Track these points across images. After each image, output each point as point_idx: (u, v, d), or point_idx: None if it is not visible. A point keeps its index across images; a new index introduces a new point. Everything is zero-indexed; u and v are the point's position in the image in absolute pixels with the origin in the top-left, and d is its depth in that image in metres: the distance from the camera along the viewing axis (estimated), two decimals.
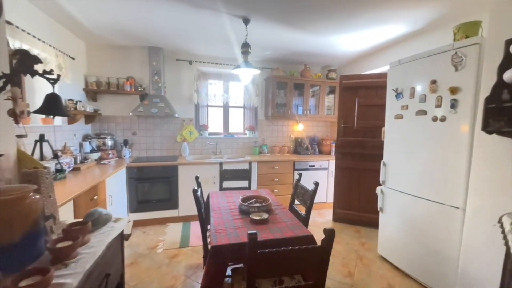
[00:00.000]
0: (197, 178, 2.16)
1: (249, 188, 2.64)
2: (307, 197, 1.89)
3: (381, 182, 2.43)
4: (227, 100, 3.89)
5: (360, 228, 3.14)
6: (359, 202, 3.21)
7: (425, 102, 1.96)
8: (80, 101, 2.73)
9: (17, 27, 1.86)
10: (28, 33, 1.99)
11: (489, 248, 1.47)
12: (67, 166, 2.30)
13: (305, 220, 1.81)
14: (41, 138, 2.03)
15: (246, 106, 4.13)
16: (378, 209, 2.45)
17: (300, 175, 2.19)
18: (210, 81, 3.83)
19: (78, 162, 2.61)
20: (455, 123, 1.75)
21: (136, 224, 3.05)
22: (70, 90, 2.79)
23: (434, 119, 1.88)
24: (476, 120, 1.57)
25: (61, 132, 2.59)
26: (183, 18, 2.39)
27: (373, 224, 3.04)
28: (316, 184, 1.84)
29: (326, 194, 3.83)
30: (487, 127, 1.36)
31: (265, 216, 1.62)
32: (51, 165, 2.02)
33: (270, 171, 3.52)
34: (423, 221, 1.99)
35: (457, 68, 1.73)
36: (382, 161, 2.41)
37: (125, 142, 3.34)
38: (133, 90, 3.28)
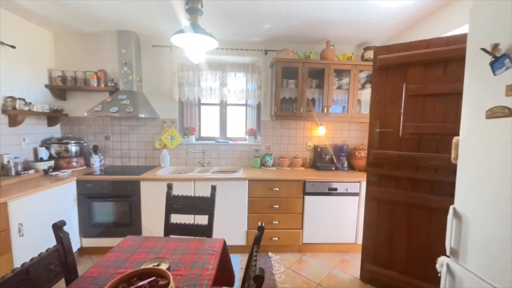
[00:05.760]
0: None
1: (209, 227, 1.69)
2: None
3: (448, 251, 1.17)
4: (224, 96, 2.98)
5: None
6: (407, 259, 1.89)
7: None
8: (22, 99, 2.25)
9: None
10: None
11: None
12: None
13: None
14: None
15: (249, 103, 3.16)
16: None
17: (257, 242, 1.12)
18: (203, 72, 3.00)
19: (13, 174, 2.12)
20: None
21: (90, 251, 2.44)
22: (27, 87, 2.41)
23: None
24: None
25: None
26: None
27: None
28: None
29: (355, 232, 2.56)
30: None
31: None
32: None
33: (267, 194, 2.48)
34: None
35: None
36: (451, 207, 1.15)
37: (95, 148, 2.79)
38: (102, 85, 2.70)
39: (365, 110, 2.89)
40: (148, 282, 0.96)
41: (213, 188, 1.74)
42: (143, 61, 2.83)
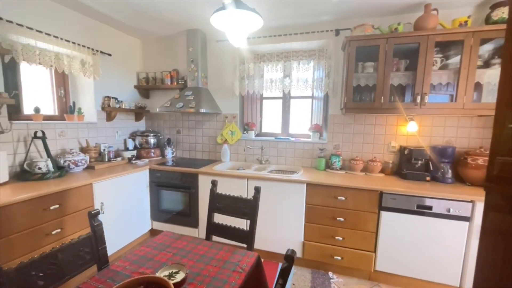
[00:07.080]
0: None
1: (251, 234, 1.48)
2: None
3: None
4: (286, 87, 2.70)
5: None
6: None
7: None
8: (114, 98, 2.68)
9: (19, 24, 1.86)
10: (39, 30, 1.98)
11: None
12: (77, 164, 2.21)
13: None
14: (35, 135, 1.99)
15: (315, 94, 2.76)
16: None
17: (284, 275, 0.81)
18: (265, 64, 2.79)
19: (106, 160, 2.55)
20: None
21: (158, 234, 2.69)
22: (121, 88, 2.87)
23: None
24: None
25: (97, 129, 2.61)
26: None
27: None
28: None
29: (461, 272, 1.80)
30: None
31: None
32: (43, 162, 1.94)
33: (330, 203, 2.05)
34: None
35: None
36: None
37: (168, 141, 3.09)
38: (175, 83, 2.94)
39: (489, 98, 1.98)
40: None
41: (257, 191, 1.51)
42: (208, 58, 2.90)
